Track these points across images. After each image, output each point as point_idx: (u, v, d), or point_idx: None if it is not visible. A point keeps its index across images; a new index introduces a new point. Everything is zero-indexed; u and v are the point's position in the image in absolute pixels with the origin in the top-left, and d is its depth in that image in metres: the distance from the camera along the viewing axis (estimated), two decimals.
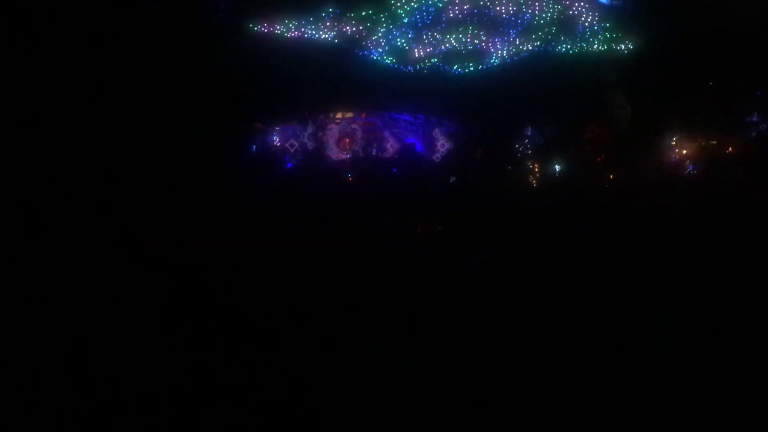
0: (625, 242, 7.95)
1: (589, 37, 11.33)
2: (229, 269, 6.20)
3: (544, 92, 10.96)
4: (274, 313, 5.62)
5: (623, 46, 11.33)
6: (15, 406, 4.40)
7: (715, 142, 11.10)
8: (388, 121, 12.26)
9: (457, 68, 11.34)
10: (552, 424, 4.44)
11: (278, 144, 11.94)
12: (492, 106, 11.03)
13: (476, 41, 11.19)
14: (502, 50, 11.27)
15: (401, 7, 11.11)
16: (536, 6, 11.14)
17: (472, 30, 11.11)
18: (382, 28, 11.19)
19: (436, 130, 12.04)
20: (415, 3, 11.10)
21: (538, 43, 11.27)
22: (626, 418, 4.45)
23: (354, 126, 12.18)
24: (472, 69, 11.33)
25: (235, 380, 4.66)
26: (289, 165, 11.79)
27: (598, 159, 11.24)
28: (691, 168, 10.95)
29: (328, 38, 11.21)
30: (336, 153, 12.09)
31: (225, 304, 5.65)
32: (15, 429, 4.26)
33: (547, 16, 11.18)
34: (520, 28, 11.20)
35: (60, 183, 6.71)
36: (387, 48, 11.29)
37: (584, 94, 11.21)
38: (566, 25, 11.26)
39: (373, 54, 11.31)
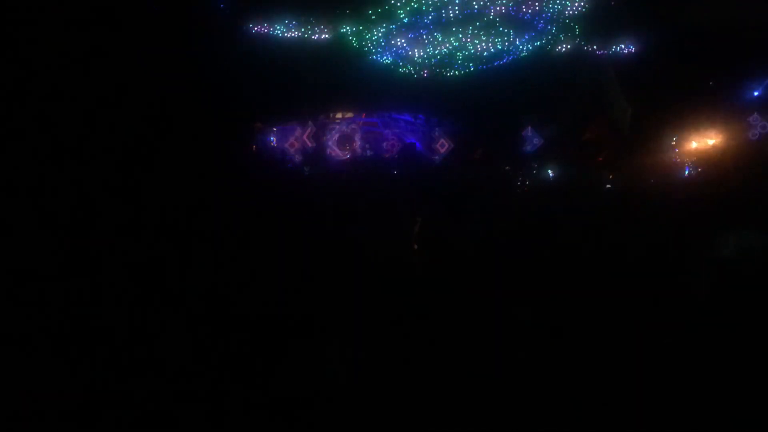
0: (624, 242, 7.94)
1: (588, 36, 11.33)
2: (228, 270, 6.20)
3: (543, 92, 10.97)
4: (273, 315, 5.62)
5: (623, 46, 11.33)
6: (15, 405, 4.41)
7: (715, 142, 11.10)
8: (388, 121, 12.30)
9: (457, 68, 11.35)
10: (552, 426, 4.45)
11: (278, 144, 11.98)
12: (492, 107, 11.04)
13: (476, 41, 11.20)
14: (502, 50, 11.28)
15: (401, 7, 11.12)
16: (536, 6, 11.14)
17: (472, 30, 11.11)
18: (382, 28, 11.20)
19: (436, 130, 12.06)
20: (415, 3, 11.11)
21: (538, 42, 11.28)
22: (626, 420, 4.45)
23: (354, 126, 12.21)
24: (472, 69, 11.35)
25: (230, 384, 4.67)
26: (289, 165, 11.82)
27: (598, 159, 11.24)
28: (688, 169, 10.96)
29: (328, 38, 11.23)
30: (336, 153, 12.12)
31: (222, 305, 5.65)
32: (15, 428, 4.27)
33: (546, 16, 11.18)
34: (519, 28, 11.20)
35: (57, 183, 6.72)
36: (387, 48, 11.31)
37: (584, 94, 11.22)
38: (565, 24, 11.27)
39: (373, 54, 11.33)
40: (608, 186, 10.77)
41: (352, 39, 11.12)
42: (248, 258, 6.53)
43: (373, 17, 11.03)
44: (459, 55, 11.26)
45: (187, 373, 4.77)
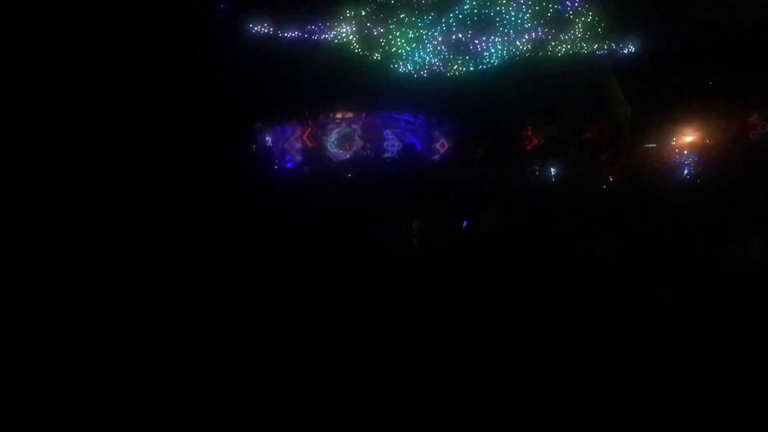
0: (624, 243, 7.95)
1: (588, 36, 11.33)
2: (228, 270, 6.21)
3: (543, 92, 10.97)
4: (273, 316, 5.62)
5: (623, 46, 11.34)
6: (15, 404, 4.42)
7: (715, 142, 11.09)
8: (388, 121, 12.27)
9: (457, 68, 11.35)
10: (549, 425, 4.45)
11: (278, 144, 11.97)
12: (491, 107, 11.03)
13: (476, 41, 11.21)
14: (502, 50, 11.28)
15: (401, 7, 11.13)
16: (535, 5, 11.15)
17: (472, 30, 11.12)
18: (383, 28, 11.22)
19: (436, 130, 12.04)
20: (415, 3, 11.13)
21: (538, 42, 11.29)
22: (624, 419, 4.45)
23: (354, 126, 12.20)
24: (471, 69, 11.35)
25: (230, 384, 4.67)
26: (289, 165, 11.82)
27: (598, 159, 11.23)
28: (687, 168, 10.94)
29: (328, 38, 11.25)
30: (336, 153, 12.11)
31: (222, 305, 5.66)
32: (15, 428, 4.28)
33: (546, 15, 11.19)
34: (519, 28, 11.21)
35: (56, 182, 6.73)
36: (387, 48, 11.31)
37: (584, 94, 11.21)
38: (565, 24, 11.28)
39: (373, 54, 11.34)
40: (608, 186, 10.76)
41: (352, 39, 11.15)
42: (248, 258, 6.54)
43: (373, 17, 11.06)
44: (459, 55, 11.27)
45: (187, 373, 4.78)
